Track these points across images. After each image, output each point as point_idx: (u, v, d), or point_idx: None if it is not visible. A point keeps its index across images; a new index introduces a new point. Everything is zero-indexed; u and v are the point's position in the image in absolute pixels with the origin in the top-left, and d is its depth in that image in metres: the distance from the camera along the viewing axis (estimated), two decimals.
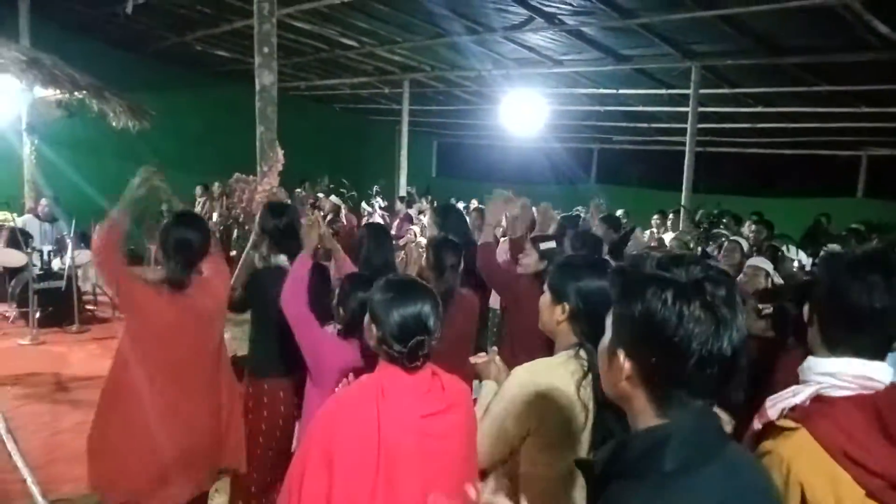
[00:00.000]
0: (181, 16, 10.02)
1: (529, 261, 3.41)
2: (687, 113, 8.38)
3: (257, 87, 4.07)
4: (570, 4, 6.82)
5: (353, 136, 16.81)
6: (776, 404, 1.42)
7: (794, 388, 1.42)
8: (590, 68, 9.14)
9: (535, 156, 15.32)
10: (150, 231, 12.01)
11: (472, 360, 2.13)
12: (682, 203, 8.16)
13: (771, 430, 1.41)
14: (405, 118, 12.13)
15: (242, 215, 4.29)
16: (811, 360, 1.43)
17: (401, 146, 12.61)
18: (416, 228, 10.29)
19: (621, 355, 1.07)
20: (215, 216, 10.27)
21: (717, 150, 12.78)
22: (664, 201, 11.27)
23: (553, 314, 1.91)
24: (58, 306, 6.99)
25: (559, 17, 7.35)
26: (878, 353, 1.38)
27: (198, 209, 12.31)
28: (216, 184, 12.08)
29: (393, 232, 10.40)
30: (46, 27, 9.98)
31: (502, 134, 14.93)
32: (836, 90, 8.01)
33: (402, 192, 12.11)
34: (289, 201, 4.93)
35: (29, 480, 2.34)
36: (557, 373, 1.82)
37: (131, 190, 2.65)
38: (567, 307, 1.87)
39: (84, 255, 7.64)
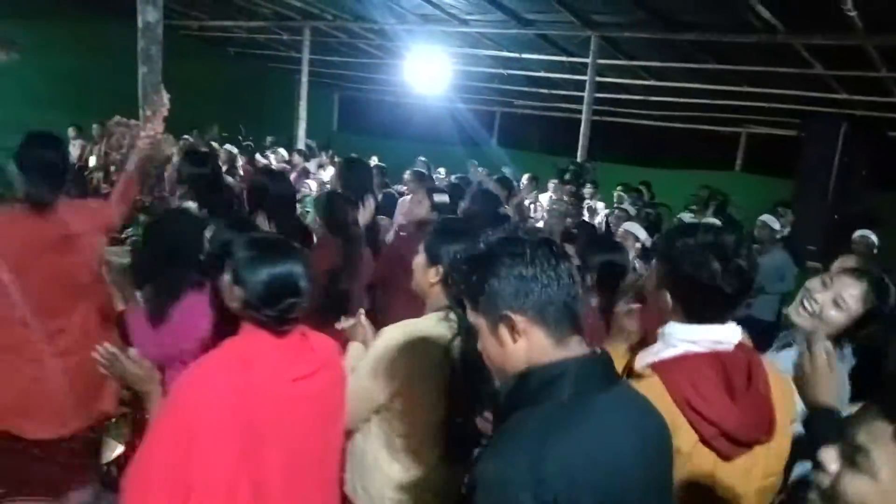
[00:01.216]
0: None
1: (421, 210, 3.45)
2: (585, 81, 8.56)
3: (139, 25, 3.74)
4: None
5: (251, 83, 16.03)
6: (644, 358, 1.59)
7: (658, 346, 1.59)
8: (494, 30, 9.12)
9: (439, 115, 15.25)
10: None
11: (339, 324, 2.09)
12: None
13: (631, 376, 1.58)
14: (305, 68, 11.67)
15: (121, 161, 3.99)
16: (673, 326, 1.57)
17: (300, 97, 12.14)
18: (314, 183, 10.04)
19: (512, 315, 1.20)
20: (92, 160, 9.52)
21: (612, 119, 13.21)
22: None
23: (426, 276, 1.93)
24: None
25: None
26: (724, 318, 1.56)
27: (74, 151, 11.41)
28: (94, 125, 11.23)
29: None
30: None
31: (407, 91, 14.70)
32: (723, 69, 8.43)
33: (301, 144, 11.72)
34: (174, 149, 4.65)
35: None
36: (427, 333, 1.85)
37: None
38: (440, 270, 1.89)
39: None
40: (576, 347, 1.21)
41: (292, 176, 10.60)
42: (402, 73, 11.00)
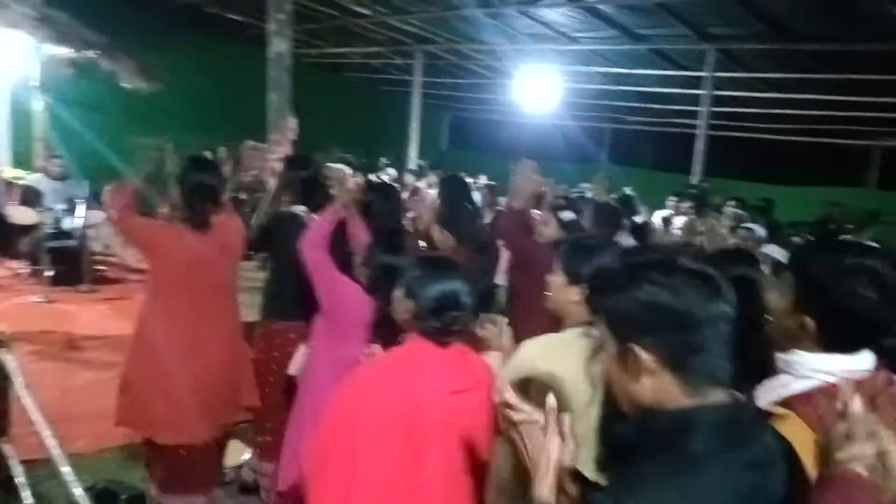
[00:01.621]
0: None
1: (549, 230, 3.46)
2: (700, 96, 8.30)
3: (271, 55, 4.06)
4: None
5: (364, 106, 16.69)
6: (768, 394, 1.43)
7: (784, 378, 1.43)
8: (605, 47, 9.06)
9: (548, 133, 15.22)
10: (162, 195, 12.09)
11: (479, 330, 2.11)
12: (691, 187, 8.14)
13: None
14: (417, 90, 12.05)
15: (252, 182, 4.31)
16: (802, 356, 1.41)
17: (412, 118, 12.54)
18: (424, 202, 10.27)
19: (639, 351, 1.04)
20: None
21: (729, 134, 12.66)
22: (675, 184, 11.24)
23: (566, 294, 1.92)
24: (69, 266, 7.05)
25: None
26: (865, 346, 1.39)
27: None
28: (221, 148, 12.11)
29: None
30: None
31: (516, 109, 14.83)
32: (849, 78, 7.92)
33: (413, 164, 12.08)
34: None
35: (46, 434, 2.43)
36: (567, 349, 1.82)
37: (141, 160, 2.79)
38: (583, 289, 1.85)
39: (96, 216, 7.69)
40: (714, 394, 1.03)
41: (403, 195, 10.96)
42: (512, 92, 11.12)
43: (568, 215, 3.51)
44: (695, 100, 9.62)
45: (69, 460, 3.39)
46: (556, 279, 1.97)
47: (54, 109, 9.99)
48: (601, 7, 7.51)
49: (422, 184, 11.48)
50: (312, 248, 2.56)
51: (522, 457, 1.21)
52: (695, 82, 9.30)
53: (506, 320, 2.13)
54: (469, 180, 11.91)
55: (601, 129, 16.65)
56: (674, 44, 8.22)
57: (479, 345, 2.17)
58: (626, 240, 4.11)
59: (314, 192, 3.01)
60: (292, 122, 4.10)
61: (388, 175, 11.26)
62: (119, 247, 8.38)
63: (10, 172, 8.20)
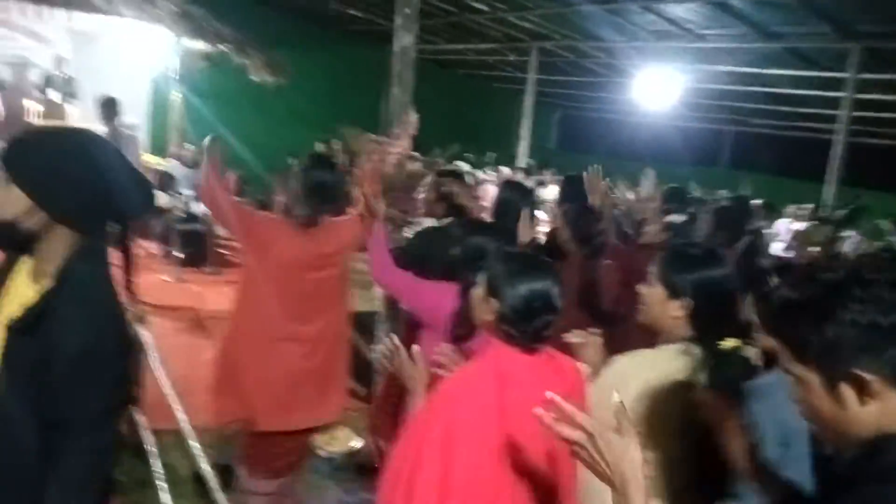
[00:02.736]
0: None
1: (653, 230, 3.29)
2: (840, 98, 7.67)
3: (395, 49, 4.10)
4: None
5: (474, 102, 16.73)
6: None
7: None
8: (733, 45, 8.56)
9: (663, 134, 14.64)
10: (280, 182, 12.67)
11: (569, 337, 1.98)
12: (825, 196, 7.56)
13: None
14: (530, 88, 11.91)
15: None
16: None
17: (523, 115, 12.42)
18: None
19: (861, 373, 0.97)
20: None
21: (870, 141, 11.64)
22: (804, 192, 10.49)
23: (666, 309, 1.76)
24: (196, 248, 7.50)
25: None
26: None
27: None
28: (338, 142, 12.49)
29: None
30: None
31: (629, 109, 14.35)
32: None
33: (522, 162, 11.96)
34: (420, 166, 4.99)
35: (177, 407, 2.57)
36: (664, 367, 1.70)
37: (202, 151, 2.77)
38: (686, 303, 1.73)
39: None
40: None
41: None
42: (628, 90, 10.76)
43: (674, 217, 3.29)
44: (831, 102, 8.91)
45: (195, 432, 3.62)
46: (655, 291, 1.80)
47: (188, 100, 10.67)
48: (734, 3, 7.09)
49: (531, 182, 11.37)
50: (382, 273, 2.48)
51: (602, 473, 1.10)
52: (833, 83, 8.63)
53: (598, 332, 2.00)
54: None
55: (722, 131, 15.82)
56: (812, 42, 7.63)
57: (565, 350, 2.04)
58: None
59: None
60: (413, 117, 4.13)
61: (498, 173, 11.21)
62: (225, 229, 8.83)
63: (148, 158, 8.81)
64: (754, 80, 10.09)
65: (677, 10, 7.90)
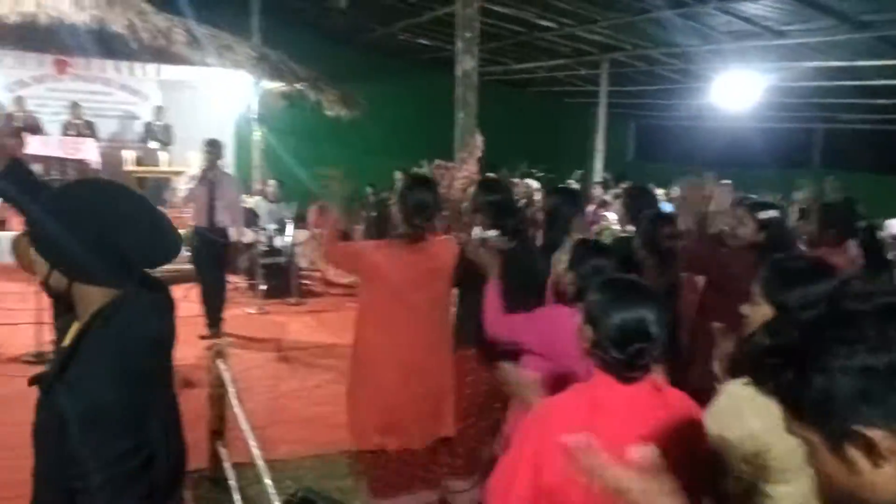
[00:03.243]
0: (388, 7, 10.55)
1: (746, 230, 3.08)
2: None
3: (458, 73, 4.11)
4: None
5: (547, 119, 16.60)
6: None
7: None
8: (818, 38, 8.09)
9: (745, 137, 13.98)
10: (355, 214, 12.97)
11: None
12: None
13: None
14: (603, 100, 11.70)
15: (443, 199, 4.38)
16: None
17: (597, 129, 12.20)
18: (612, 215, 9.93)
19: (863, 430, 0.76)
20: None
21: None
22: None
23: None
24: (279, 280, 7.75)
25: None
26: None
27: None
28: (415, 169, 12.64)
29: (588, 218, 10.13)
30: (272, 24, 11.06)
31: (708, 114, 13.83)
32: None
33: (598, 176, 11.72)
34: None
35: (250, 441, 2.61)
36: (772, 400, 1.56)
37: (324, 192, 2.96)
38: None
39: (301, 234, 8.40)
40: None
41: (590, 208, 10.67)
42: (705, 95, 10.37)
43: (768, 213, 3.06)
44: None
45: (275, 465, 3.67)
46: (759, 310, 1.67)
47: (268, 138, 11.13)
48: None
49: (608, 196, 11.11)
50: (498, 328, 2.51)
51: None
52: None
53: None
54: (659, 191, 11.31)
55: (810, 130, 14.95)
56: None
57: None
58: (854, 250, 3.55)
59: (507, 216, 2.94)
60: (479, 140, 4.13)
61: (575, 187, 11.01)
62: (321, 263, 9.08)
63: None
64: (843, 74, 9.50)
65: (753, 9, 7.56)
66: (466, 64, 4.00)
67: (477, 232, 2.92)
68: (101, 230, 1.26)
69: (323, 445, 4.21)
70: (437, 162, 4.40)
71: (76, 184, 1.48)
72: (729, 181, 5.74)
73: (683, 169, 15.13)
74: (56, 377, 1.23)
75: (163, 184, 10.04)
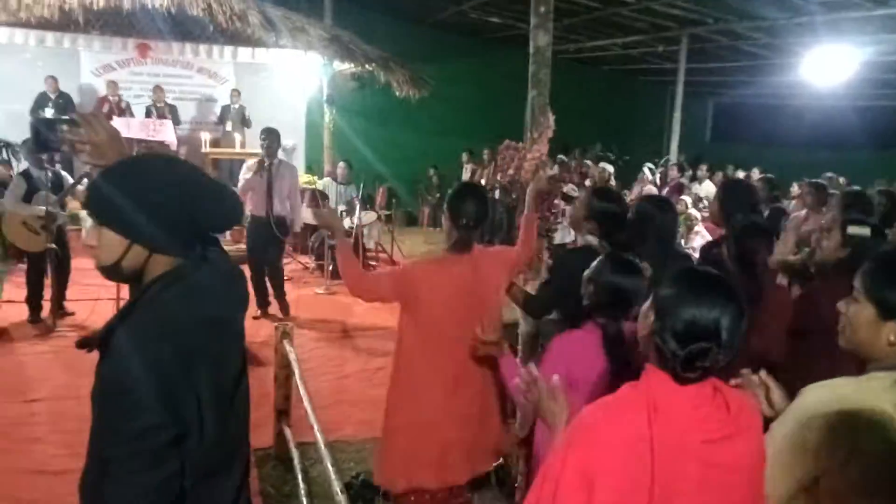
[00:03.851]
0: None
1: (830, 245, 2.81)
2: None
3: (531, 49, 3.94)
4: None
5: (621, 98, 16.09)
6: None
7: None
8: None
9: (837, 116, 13.15)
10: (423, 195, 12.98)
11: (737, 381, 1.69)
12: None
13: None
14: (681, 78, 11.21)
15: (509, 182, 4.26)
16: None
17: (674, 108, 11.71)
18: (688, 199, 9.54)
19: None
20: (483, 182, 10.65)
21: None
22: None
23: (878, 333, 1.46)
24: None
25: None
26: None
27: (465, 174, 12.91)
28: (485, 150, 12.55)
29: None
30: (344, 5, 11.10)
31: (795, 92, 13.06)
32: None
33: (674, 157, 11.27)
34: (553, 171, 4.79)
35: (313, 421, 2.60)
36: (875, 396, 1.40)
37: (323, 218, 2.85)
38: None
39: (369, 216, 8.44)
40: None
41: (665, 191, 10.28)
42: (793, 72, 9.76)
43: (860, 230, 2.75)
44: None
45: (338, 446, 3.68)
46: (862, 311, 1.49)
47: (338, 120, 11.22)
48: None
49: (685, 179, 10.67)
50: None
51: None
52: None
53: (768, 378, 1.66)
54: (740, 174, 10.81)
55: None
56: None
57: None
58: None
59: (618, 229, 2.75)
60: (551, 119, 3.97)
61: (657, 171, 10.56)
62: (387, 244, 9.12)
63: (304, 178, 9.34)
64: None
65: None
66: (540, 40, 3.83)
67: (589, 239, 2.75)
68: (177, 195, 1.29)
69: None
70: (507, 142, 4.28)
71: (130, 159, 1.46)
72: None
73: (765, 150, 14.47)
74: (103, 344, 1.24)
75: (236, 166, 10.30)
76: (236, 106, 10.40)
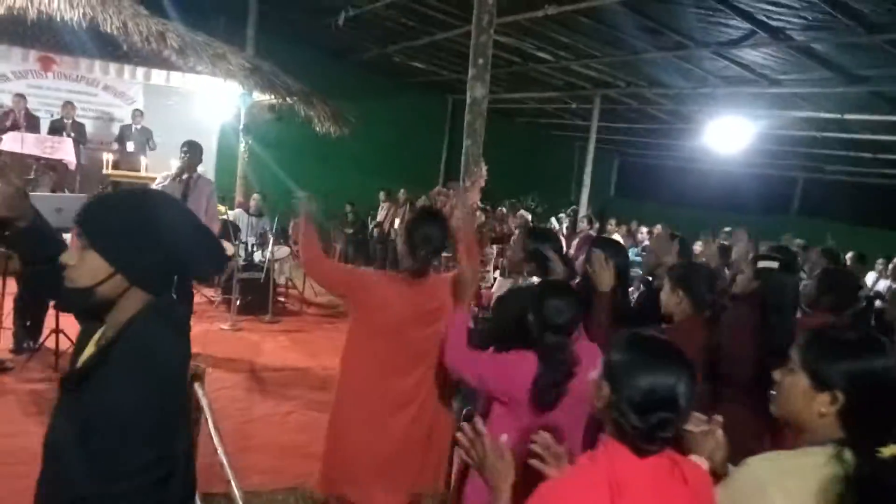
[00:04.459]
0: (387, 27, 10.46)
1: (743, 279, 3.01)
2: None
3: (468, 100, 3.99)
4: (805, 18, 6.09)
5: (533, 151, 16.63)
6: None
7: None
8: (813, 89, 8.19)
9: (728, 181, 14.17)
10: (337, 231, 12.77)
11: (687, 427, 1.67)
12: None
13: None
14: (593, 135, 11.72)
15: None
16: None
17: (585, 163, 12.21)
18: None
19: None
20: (397, 222, 10.60)
21: None
22: (888, 242, 9.85)
23: (812, 404, 1.47)
24: (256, 296, 7.49)
25: (787, 31, 6.62)
26: None
27: (381, 213, 12.84)
28: (401, 190, 12.54)
29: (572, 251, 10.07)
30: (267, 36, 10.92)
31: (692, 155, 13.98)
32: None
33: (584, 210, 11.69)
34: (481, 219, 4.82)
35: (228, 470, 2.39)
36: (811, 475, 1.40)
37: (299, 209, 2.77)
38: (839, 397, 1.44)
39: (282, 251, 8.16)
40: None
41: (575, 242, 10.61)
42: (692, 137, 10.45)
43: (768, 264, 2.98)
44: None
45: (245, 497, 3.42)
46: (797, 381, 1.51)
47: (253, 150, 10.90)
48: (816, 46, 6.78)
49: (593, 231, 11.08)
50: (459, 359, 2.39)
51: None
52: None
53: (720, 421, 1.67)
54: (644, 230, 11.30)
55: (792, 179, 15.19)
56: None
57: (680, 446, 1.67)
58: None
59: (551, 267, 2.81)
60: (483, 170, 4.00)
61: (563, 222, 10.95)
62: (299, 280, 8.84)
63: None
64: (831, 126, 9.64)
65: (752, 56, 7.63)
66: (477, 91, 3.88)
67: (532, 281, 2.78)
68: (170, 235, 1.29)
69: (297, 477, 3.97)
70: (438, 188, 4.26)
71: (133, 192, 1.45)
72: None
73: (663, 207, 15.34)
74: (84, 380, 1.22)
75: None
76: (139, 126, 9.88)
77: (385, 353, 2.53)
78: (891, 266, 7.57)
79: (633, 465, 1.33)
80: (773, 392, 1.57)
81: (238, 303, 7.23)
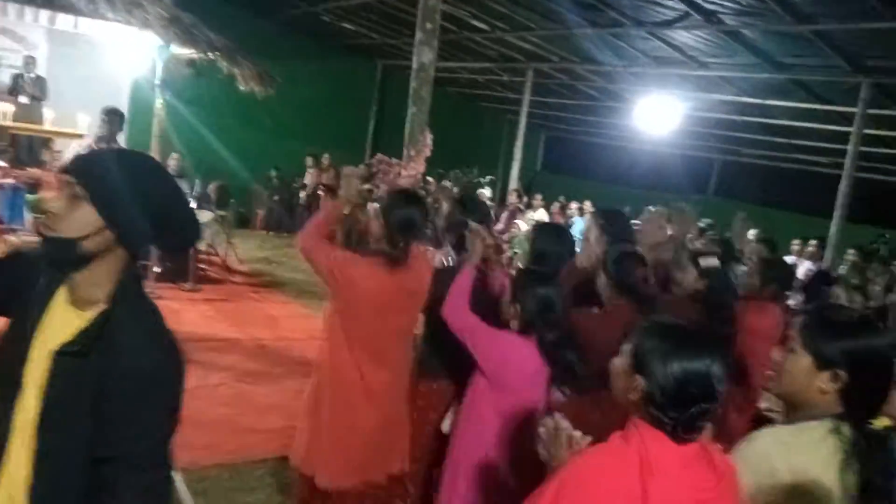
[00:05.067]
0: None
1: (688, 278, 3.05)
2: (844, 133, 7.58)
3: (414, 66, 3.82)
4: (738, 3, 6.22)
5: (462, 122, 16.50)
6: None
7: None
8: (738, 74, 8.45)
9: (652, 160, 14.57)
10: (259, 197, 12.27)
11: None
12: (832, 232, 7.45)
13: None
14: (524, 109, 11.72)
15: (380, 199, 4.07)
16: None
17: (515, 136, 12.22)
18: (524, 224, 9.95)
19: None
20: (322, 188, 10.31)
21: (869, 176, 11.42)
22: (797, 225, 10.39)
23: (814, 381, 1.53)
24: (175, 263, 7.10)
25: (719, 14, 6.76)
26: None
27: (307, 179, 12.46)
28: (325, 155, 12.16)
29: (500, 225, 10.10)
30: None
31: (620, 134, 14.27)
32: None
33: (514, 183, 11.73)
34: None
35: None
36: (814, 449, 1.47)
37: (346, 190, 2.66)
38: (840, 375, 1.50)
39: (204, 215, 7.74)
40: None
41: (503, 215, 10.64)
42: (620, 115, 10.63)
43: (711, 262, 3.05)
44: (833, 136, 8.88)
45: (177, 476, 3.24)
46: (799, 360, 1.56)
47: (171, 107, 10.24)
48: (746, 32, 6.96)
49: (522, 205, 11.16)
50: (454, 315, 2.40)
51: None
52: (836, 118, 8.58)
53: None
54: (574, 205, 11.44)
55: (709, 160, 15.79)
56: (821, 75, 7.53)
57: None
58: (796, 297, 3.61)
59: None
60: (429, 138, 3.86)
61: (483, 195, 10.95)
62: (221, 247, 8.44)
63: None
64: (754, 111, 10.01)
65: (684, 37, 7.76)
66: (424, 56, 3.72)
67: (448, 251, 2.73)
68: (166, 200, 1.28)
69: (230, 453, 3.83)
70: (379, 156, 4.09)
71: (128, 150, 1.45)
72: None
73: (589, 184, 15.65)
74: (94, 343, 1.19)
75: (37, 144, 9.00)
76: (32, 75, 9.09)
77: (366, 338, 2.49)
78: (808, 249, 7.98)
79: (665, 448, 1.32)
80: (771, 371, 1.63)
81: (156, 270, 6.83)
